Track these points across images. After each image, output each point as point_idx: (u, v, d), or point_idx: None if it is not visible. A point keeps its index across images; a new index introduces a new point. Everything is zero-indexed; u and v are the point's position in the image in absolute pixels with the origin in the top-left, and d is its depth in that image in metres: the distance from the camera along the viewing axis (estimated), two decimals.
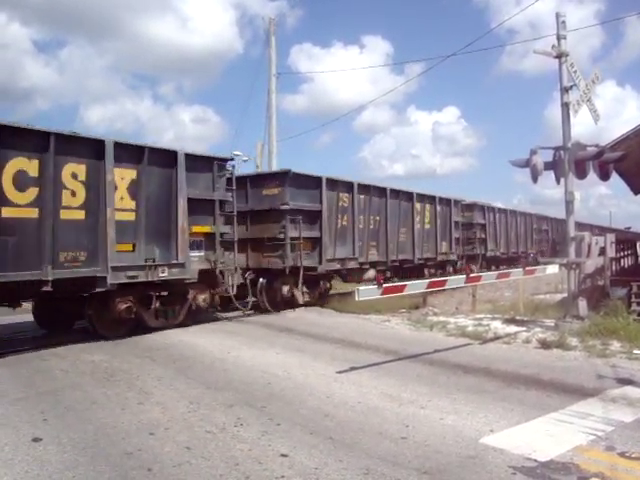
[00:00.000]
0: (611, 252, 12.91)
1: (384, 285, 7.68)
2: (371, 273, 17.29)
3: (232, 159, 13.76)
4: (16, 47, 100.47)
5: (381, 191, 18.35)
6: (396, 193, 19.14)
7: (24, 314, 12.12)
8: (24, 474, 4.42)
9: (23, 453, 4.86)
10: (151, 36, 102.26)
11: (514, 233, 30.68)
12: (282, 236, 14.38)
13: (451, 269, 22.76)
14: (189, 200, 11.97)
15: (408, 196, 19.92)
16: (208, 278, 12.66)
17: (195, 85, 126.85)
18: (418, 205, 20.34)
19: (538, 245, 34.17)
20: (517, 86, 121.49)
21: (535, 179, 11.19)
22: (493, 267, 27.07)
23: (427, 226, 21.10)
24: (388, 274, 19.44)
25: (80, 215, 10.14)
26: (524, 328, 11.17)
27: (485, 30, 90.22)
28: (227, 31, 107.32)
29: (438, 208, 21.78)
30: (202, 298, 12.52)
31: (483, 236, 26.65)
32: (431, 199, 21.52)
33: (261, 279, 14.57)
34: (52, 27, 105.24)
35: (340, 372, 7.80)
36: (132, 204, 11.00)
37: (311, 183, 15.41)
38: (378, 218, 18.00)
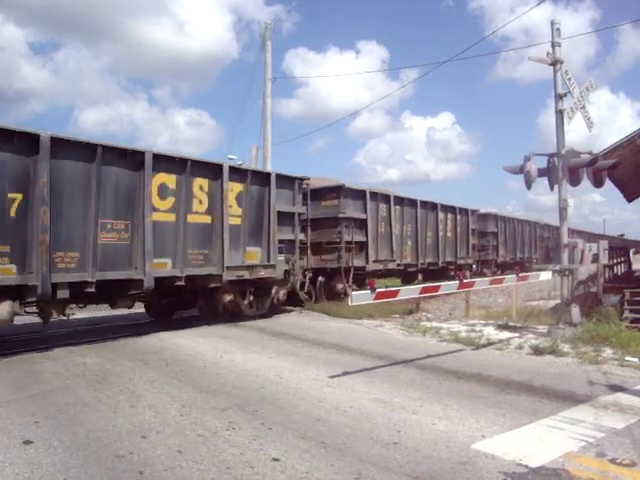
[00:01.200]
0: (604, 259, 12.96)
1: (377, 290, 7.70)
2: (3, 310, 9.14)
3: None
4: (11, 49, 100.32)
5: (24, 140, 9.28)
6: (77, 148, 9.99)
7: None
8: (14, 477, 4.40)
9: (14, 456, 4.84)
10: (147, 39, 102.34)
11: (433, 236, 21.57)
12: None
13: (281, 293, 14.53)
14: None
15: (131, 161, 10.84)
16: None
17: (191, 89, 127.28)
18: (163, 177, 11.43)
19: (478, 253, 26.28)
20: (511, 93, 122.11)
21: (529, 185, 11.23)
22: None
23: (195, 219, 12.06)
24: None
25: None
26: (517, 334, 11.20)
27: (481, 36, 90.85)
28: (223, 35, 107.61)
29: (230, 187, 12.79)
30: None
31: (362, 239, 17.27)
32: (211, 171, 12.53)
33: None
34: (48, 29, 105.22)
35: (332, 377, 7.80)
36: None
37: None
38: (18, 197, 9.20)
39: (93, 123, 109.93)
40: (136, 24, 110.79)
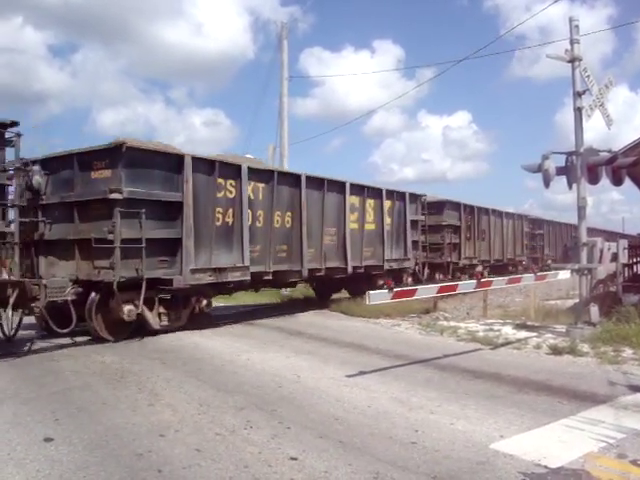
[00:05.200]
0: (623, 258, 12.84)
1: (395, 289, 7.68)
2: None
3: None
4: (31, 51, 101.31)
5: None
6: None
7: None
8: (35, 473, 4.45)
9: (35, 453, 4.89)
10: (164, 41, 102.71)
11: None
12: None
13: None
14: None
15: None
16: None
17: (207, 89, 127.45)
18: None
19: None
20: (528, 91, 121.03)
21: (547, 184, 11.15)
22: None
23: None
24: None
25: None
26: (535, 334, 11.13)
27: (496, 35, 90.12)
28: (240, 36, 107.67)
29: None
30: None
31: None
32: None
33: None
34: (66, 31, 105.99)
35: (350, 376, 7.80)
36: None
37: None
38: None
39: (111, 124, 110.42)
40: (153, 26, 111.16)
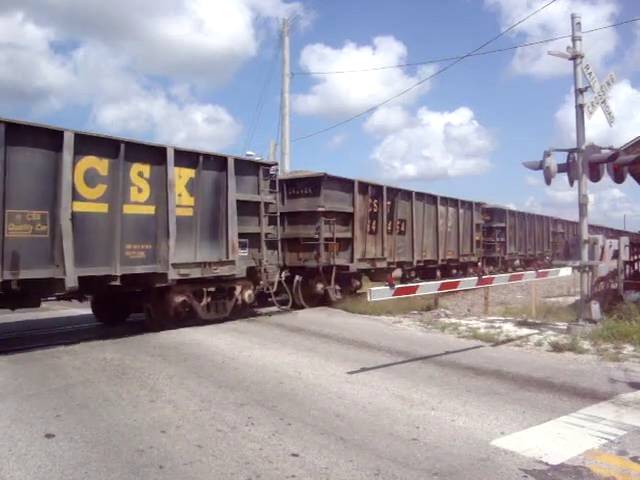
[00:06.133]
0: (625, 255, 12.82)
1: (396, 286, 7.68)
2: None
3: None
4: (32, 47, 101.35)
5: None
6: None
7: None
8: (37, 469, 4.46)
9: (36, 448, 4.91)
10: (166, 37, 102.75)
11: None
12: None
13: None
14: None
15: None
16: None
17: (208, 86, 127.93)
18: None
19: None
20: (529, 89, 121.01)
21: (548, 181, 11.13)
22: None
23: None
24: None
25: None
26: (536, 331, 11.13)
27: (497, 33, 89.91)
28: (241, 33, 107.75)
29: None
30: None
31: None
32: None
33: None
34: (68, 28, 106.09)
35: (351, 373, 7.81)
36: None
37: None
38: None
39: (112, 120, 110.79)
40: (155, 22, 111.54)
